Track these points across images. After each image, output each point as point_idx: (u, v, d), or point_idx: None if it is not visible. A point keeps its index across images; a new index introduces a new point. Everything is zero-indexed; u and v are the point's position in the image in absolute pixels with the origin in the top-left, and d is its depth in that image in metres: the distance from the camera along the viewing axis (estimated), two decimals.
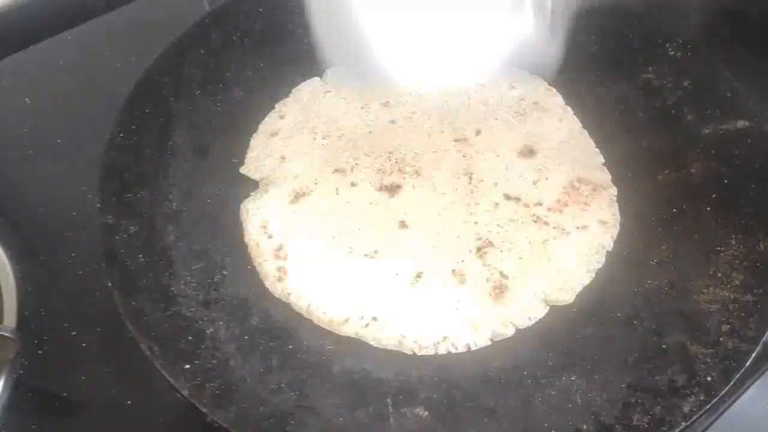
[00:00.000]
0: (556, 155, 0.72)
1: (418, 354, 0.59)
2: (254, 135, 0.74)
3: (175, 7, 0.95)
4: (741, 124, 0.69)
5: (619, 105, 0.75)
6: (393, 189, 0.69)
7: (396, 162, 0.71)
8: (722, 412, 0.62)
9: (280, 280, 0.63)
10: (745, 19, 0.92)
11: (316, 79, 0.80)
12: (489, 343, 0.60)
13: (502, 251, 0.65)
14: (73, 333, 0.66)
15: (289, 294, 0.62)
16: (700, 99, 0.72)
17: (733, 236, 0.63)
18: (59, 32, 0.92)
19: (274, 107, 0.77)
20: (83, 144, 0.76)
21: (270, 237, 0.66)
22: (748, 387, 0.64)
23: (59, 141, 0.82)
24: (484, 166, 0.71)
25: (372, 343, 0.60)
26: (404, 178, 0.70)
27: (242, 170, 0.72)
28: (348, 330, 0.60)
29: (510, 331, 0.60)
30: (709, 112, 0.71)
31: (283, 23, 0.80)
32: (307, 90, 0.78)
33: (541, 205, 0.68)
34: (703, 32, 0.86)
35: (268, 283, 0.63)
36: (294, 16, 0.80)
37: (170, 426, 0.62)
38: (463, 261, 0.64)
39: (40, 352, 0.65)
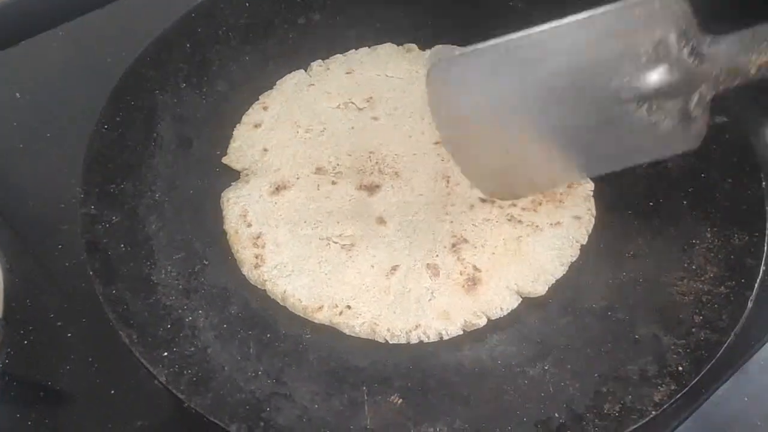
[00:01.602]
0: None
1: (390, 342, 0.60)
2: (237, 126, 0.75)
3: (165, 2, 0.96)
4: (719, 119, 0.69)
5: None
6: (372, 188, 0.70)
7: (376, 163, 0.72)
8: (698, 406, 0.63)
9: (256, 267, 0.64)
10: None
11: (301, 71, 0.80)
12: (461, 332, 0.61)
13: (476, 247, 0.65)
14: (59, 324, 0.66)
15: (265, 281, 0.63)
16: None
17: (709, 230, 0.64)
18: (49, 28, 0.93)
19: (258, 98, 0.78)
20: (72, 138, 0.76)
21: (249, 225, 0.67)
22: (725, 381, 0.64)
23: (48, 135, 0.82)
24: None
25: (345, 331, 0.61)
26: (384, 179, 0.71)
27: (224, 160, 0.73)
28: (322, 317, 0.61)
29: (482, 322, 0.61)
30: None
31: (269, 18, 0.81)
32: (291, 82, 0.79)
33: (515, 205, 0.69)
34: None
35: (245, 270, 0.64)
36: (280, 11, 0.82)
37: (153, 414, 0.62)
38: (437, 256, 0.65)
39: (26, 342, 0.65)
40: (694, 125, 0.58)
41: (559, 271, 0.64)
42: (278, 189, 0.70)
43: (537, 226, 0.67)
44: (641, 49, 0.55)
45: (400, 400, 0.56)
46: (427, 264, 0.64)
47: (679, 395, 0.53)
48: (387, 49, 0.83)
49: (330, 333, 0.61)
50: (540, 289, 0.63)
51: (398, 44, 0.83)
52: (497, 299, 0.62)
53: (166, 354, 0.55)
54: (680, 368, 0.55)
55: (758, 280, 0.58)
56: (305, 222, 0.67)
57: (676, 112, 0.56)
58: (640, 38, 0.55)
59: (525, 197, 0.68)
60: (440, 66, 0.61)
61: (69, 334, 0.66)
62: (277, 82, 0.79)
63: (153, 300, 0.59)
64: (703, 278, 0.61)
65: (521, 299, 0.63)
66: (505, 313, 0.62)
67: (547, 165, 0.62)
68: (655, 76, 0.55)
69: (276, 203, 0.69)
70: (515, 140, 0.60)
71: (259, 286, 0.64)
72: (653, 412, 0.52)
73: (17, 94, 0.87)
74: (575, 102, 0.57)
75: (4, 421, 0.62)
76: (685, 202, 0.66)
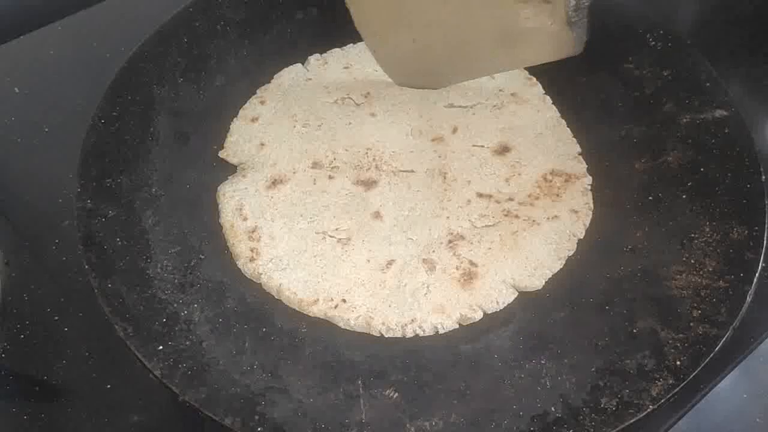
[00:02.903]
0: (531, 149, 0.73)
1: (386, 336, 0.60)
2: (234, 120, 0.75)
3: None
4: (719, 113, 0.69)
5: (599, 94, 0.76)
6: (369, 184, 0.70)
7: (373, 159, 0.72)
8: (697, 402, 0.62)
9: (252, 260, 0.64)
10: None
11: (299, 66, 0.80)
12: (457, 326, 0.61)
13: (472, 243, 0.65)
14: (56, 318, 0.67)
15: (261, 274, 0.63)
16: (679, 89, 0.72)
17: (708, 223, 0.63)
18: (48, 23, 0.93)
19: (255, 92, 0.78)
20: (69, 132, 0.76)
21: (245, 219, 0.67)
22: (723, 377, 0.64)
23: (46, 129, 0.82)
24: (459, 166, 0.71)
25: (341, 324, 0.61)
26: (380, 175, 0.71)
27: (221, 154, 0.72)
28: (317, 311, 0.61)
29: (478, 316, 0.61)
30: (687, 101, 0.71)
31: (267, 13, 0.81)
32: (289, 77, 0.79)
33: (512, 200, 0.68)
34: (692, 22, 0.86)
35: (240, 263, 0.64)
36: (278, 6, 0.81)
37: (148, 408, 0.62)
38: (433, 251, 0.65)
39: (22, 336, 0.66)
40: (576, 29, 0.59)
41: (556, 265, 0.64)
42: (275, 183, 0.70)
43: (534, 221, 0.67)
44: None
45: (396, 394, 0.55)
46: (423, 259, 0.64)
47: (676, 389, 0.53)
48: None
49: (325, 327, 0.61)
50: (537, 283, 0.63)
51: None
52: (493, 293, 0.62)
53: (161, 348, 0.55)
54: (678, 363, 0.54)
55: (757, 275, 0.58)
56: (301, 216, 0.67)
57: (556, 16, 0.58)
58: None
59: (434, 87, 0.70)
60: None
61: (65, 329, 0.66)
62: (275, 77, 0.79)
63: (149, 294, 0.59)
64: (701, 272, 0.60)
65: (518, 293, 0.63)
66: (502, 307, 0.62)
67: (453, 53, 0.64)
68: None
69: (272, 197, 0.68)
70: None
71: (254, 280, 0.64)
72: (651, 407, 0.52)
73: (15, 89, 0.87)
74: None
75: (1, 415, 0.62)
76: (684, 196, 0.66)
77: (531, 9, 0.58)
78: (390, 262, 0.64)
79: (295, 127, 0.74)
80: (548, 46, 0.62)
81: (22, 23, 0.92)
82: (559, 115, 0.76)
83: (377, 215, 0.67)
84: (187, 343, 0.57)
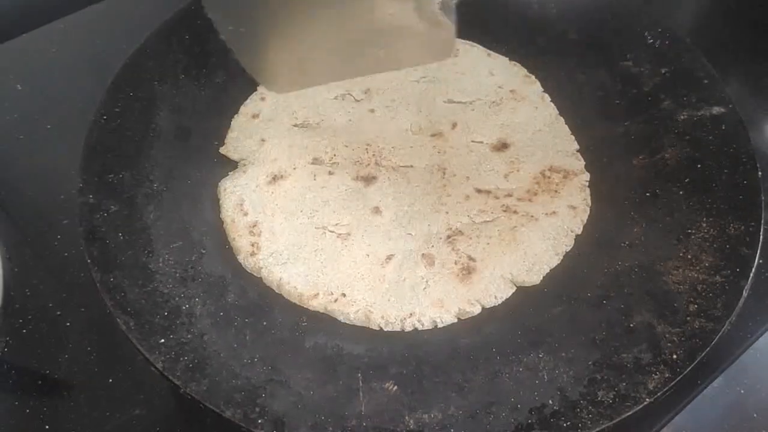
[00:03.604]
0: (529, 146, 0.73)
1: (385, 329, 0.60)
2: (235, 116, 0.76)
3: None
4: (716, 110, 0.70)
5: (598, 91, 0.76)
6: (369, 179, 0.71)
7: (373, 155, 0.73)
8: (694, 397, 0.63)
9: (252, 254, 0.64)
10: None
11: None
12: (455, 320, 0.61)
13: (470, 238, 0.66)
14: (58, 313, 0.67)
15: (261, 269, 0.63)
16: (677, 86, 0.73)
17: (705, 219, 0.64)
18: (50, 21, 0.94)
19: (256, 89, 0.78)
20: (72, 128, 0.76)
21: (245, 214, 0.67)
22: (720, 372, 0.64)
23: (48, 126, 0.83)
24: (458, 162, 0.72)
25: (340, 318, 0.61)
26: (380, 171, 0.71)
27: (222, 150, 0.73)
28: (317, 305, 0.61)
29: (476, 310, 0.61)
30: (685, 98, 0.72)
31: None
32: None
33: (511, 196, 0.69)
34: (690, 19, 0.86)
35: (241, 258, 0.65)
36: None
37: (150, 402, 0.63)
38: (432, 246, 0.65)
39: (24, 331, 0.66)
40: (443, 31, 0.57)
41: (554, 261, 0.65)
42: (275, 179, 0.70)
43: (532, 216, 0.67)
44: None
45: (395, 387, 0.56)
46: (422, 253, 0.65)
47: (673, 383, 0.53)
48: None
49: (325, 321, 0.62)
50: (535, 278, 0.63)
51: None
52: (492, 288, 0.62)
53: (162, 341, 0.56)
54: (674, 356, 0.55)
55: (753, 270, 0.59)
56: (301, 211, 0.68)
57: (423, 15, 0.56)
58: None
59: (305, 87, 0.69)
60: None
61: (67, 323, 0.66)
62: None
63: (150, 288, 0.60)
64: (698, 267, 0.61)
65: (516, 288, 0.63)
66: (500, 301, 0.62)
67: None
68: None
69: (272, 193, 0.69)
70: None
71: (254, 274, 0.64)
72: (647, 400, 0.53)
73: (18, 86, 0.87)
74: None
75: (3, 409, 0.62)
76: (681, 192, 0.67)
77: (397, 5, 0.56)
78: (389, 257, 0.64)
79: (295, 123, 0.75)
80: (419, 48, 0.61)
81: (25, 21, 0.93)
82: (557, 112, 0.76)
83: (377, 210, 0.68)
84: (189, 336, 0.57)
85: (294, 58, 0.62)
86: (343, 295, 0.61)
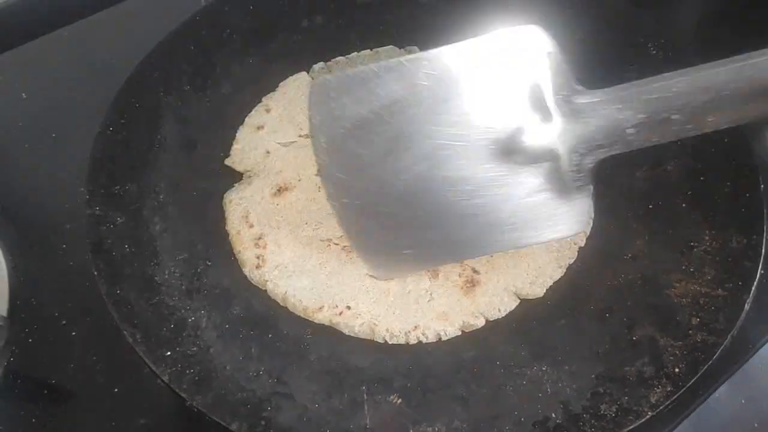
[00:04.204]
0: None
1: (390, 342, 0.61)
2: (240, 128, 0.76)
3: (169, 4, 0.97)
4: None
5: None
6: None
7: None
8: (695, 408, 0.63)
9: (258, 267, 0.65)
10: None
11: (303, 73, 0.81)
12: (459, 333, 0.62)
13: None
14: (63, 323, 0.67)
15: (266, 281, 0.64)
16: None
17: (707, 232, 0.64)
18: (55, 29, 0.94)
19: (261, 100, 0.78)
20: (77, 139, 0.77)
21: (251, 226, 0.67)
22: (722, 383, 0.64)
23: (54, 135, 0.83)
24: None
25: (345, 331, 0.61)
26: None
27: (227, 162, 0.73)
28: (322, 317, 0.62)
29: (480, 323, 0.62)
30: None
31: (273, 21, 0.82)
32: (294, 84, 0.80)
33: None
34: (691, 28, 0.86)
35: (246, 270, 0.65)
36: (283, 14, 0.82)
37: (155, 413, 0.63)
38: None
39: (30, 340, 0.66)
40: (578, 200, 0.57)
41: (557, 273, 0.65)
42: (280, 191, 0.70)
43: None
44: (515, 92, 0.54)
45: (400, 400, 0.56)
46: None
47: (675, 396, 0.54)
48: (388, 51, 0.83)
49: (330, 333, 0.62)
50: (538, 291, 0.64)
51: (399, 47, 0.84)
52: (495, 301, 0.63)
53: (169, 353, 0.56)
54: (677, 370, 0.55)
55: (756, 283, 0.59)
56: (306, 223, 0.68)
57: (553, 177, 0.55)
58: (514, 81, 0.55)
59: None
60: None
61: (73, 333, 0.67)
62: (280, 85, 0.80)
63: (156, 300, 0.60)
64: (700, 280, 0.61)
65: (519, 301, 0.64)
66: (503, 314, 0.63)
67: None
68: (527, 125, 0.55)
69: (278, 205, 0.69)
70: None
71: (260, 287, 0.64)
72: (650, 413, 0.53)
73: (23, 95, 0.88)
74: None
75: (9, 418, 0.63)
76: (683, 205, 0.67)
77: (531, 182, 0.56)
78: None
79: (299, 134, 0.75)
80: (554, 223, 0.58)
81: (30, 29, 0.93)
82: None
83: None
84: (195, 348, 0.58)
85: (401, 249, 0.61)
86: (348, 308, 0.62)
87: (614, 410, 0.54)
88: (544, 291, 0.64)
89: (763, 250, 0.61)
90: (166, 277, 0.62)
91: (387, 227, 0.61)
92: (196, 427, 0.62)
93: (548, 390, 0.56)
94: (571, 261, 0.66)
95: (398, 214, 0.59)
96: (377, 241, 0.62)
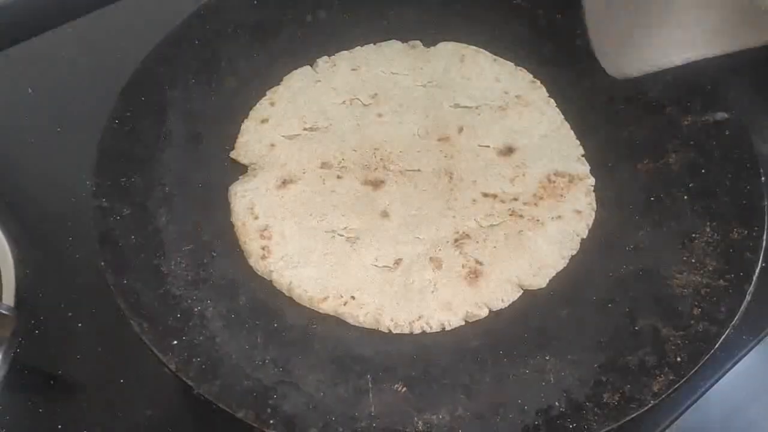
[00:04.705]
0: (535, 150, 0.74)
1: (394, 332, 0.61)
2: (245, 121, 0.76)
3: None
4: (720, 116, 0.70)
5: (602, 97, 0.77)
6: (377, 184, 0.71)
7: (381, 159, 0.73)
8: (697, 399, 0.64)
9: (263, 258, 0.65)
10: None
11: (308, 68, 0.81)
12: (463, 323, 0.62)
13: (477, 242, 0.67)
14: (70, 314, 0.68)
15: (272, 272, 0.64)
16: (681, 92, 0.73)
17: (709, 224, 0.65)
18: (61, 24, 0.95)
19: (266, 94, 0.79)
20: (82, 132, 0.78)
21: (256, 218, 0.68)
22: (723, 374, 0.65)
23: (59, 129, 0.84)
24: (464, 166, 0.73)
25: (350, 321, 0.62)
26: (388, 175, 0.72)
27: (232, 155, 0.74)
28: (327, 307, 0.62)
29: (483, 313, 0.62)
30: (689, 104, 0.72)
31: (277, 16, 0.83)
32: (298, 78, 0.80)
33: (517, 200, 0.70)
34: None
35: (252, 261, 0.66)
36: (288, 9, 0.83)
37: (161, 403, 0.64)
38: (440, 250, 0.66)
39: (36, 332, 0.67)
40: None
41: (560, 264, 0.65)
42: (285, 183, 0.71)
43: (538, 220, 0.68)
44: None
45: (404, 389, 0.57)
46: (430, 257, 0.66)
47: (677, 385, 0.54)
48: (392, 46, 0.84)
49: (335, 323, 0.63)
50: (541, 281, 0.64)
51: (403, 41, 0.84)
52: (499, 291, 0.63)
53: (175, 342, 0.57)
54: (679, 359, 0.56)
55: (756, 274, 0.59)
56: (311, 215, 0.69)
57: None
58: None
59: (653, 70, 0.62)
60: None
61: (79, 324, 0.67)
62: (284, 79, 0.80)
63: (163, 290, 0.61)
64: (702, 271, 0.62)
65: (522, 291, 0.64)
66: (507, 304, 0.63)
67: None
68: None
69: (282, 197, 0.70)
70: None
71: (265, 277, 0.65)
72: (652, 402, 0.54)
73: (30, 90, 0.88)
74: None
75: (16, 409, 0.63)
76: (685, 197, 0.67)
77: None
78: (398, 261, 0.65)
79: (304, 128, 0.76)
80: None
81: (36, 25, 0.94)
82: (563, 117, 0.77)
83: (385, 214, 0.69)
84: (201, 338, 0.58)
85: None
86: (353, 298, 0.62)
87: (617, 399, 0.54)
88: (547, 282, 0.64)
89: (764, 242, 0.61)
90: (173, 267, 0.63)
91: None
92: (202, 417, 0.63)
93: (551, 379, 0.57)
94: (574, 252, 0.66)
95: None
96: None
